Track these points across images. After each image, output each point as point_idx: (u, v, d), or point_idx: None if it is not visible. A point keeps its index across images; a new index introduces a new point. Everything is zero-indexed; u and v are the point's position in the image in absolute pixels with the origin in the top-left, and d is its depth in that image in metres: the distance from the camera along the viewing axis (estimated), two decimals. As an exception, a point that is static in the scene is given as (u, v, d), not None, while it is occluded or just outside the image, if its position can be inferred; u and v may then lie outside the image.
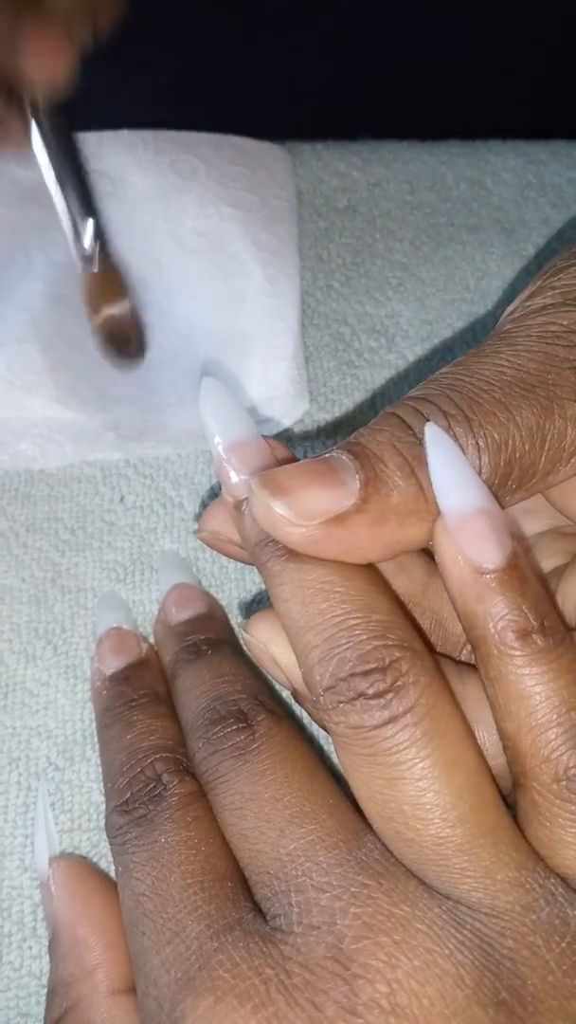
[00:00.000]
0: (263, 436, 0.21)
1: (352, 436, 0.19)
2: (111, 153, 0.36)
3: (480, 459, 0.18)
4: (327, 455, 0.18)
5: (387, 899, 0.17)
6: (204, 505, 0.31)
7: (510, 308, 0.22)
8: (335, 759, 0.21)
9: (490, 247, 0.37)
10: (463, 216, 0.38)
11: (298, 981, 0.16)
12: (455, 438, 0.18)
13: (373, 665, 0.17)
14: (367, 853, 0.18)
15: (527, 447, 0.18)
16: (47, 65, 0.27)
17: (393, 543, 0.18)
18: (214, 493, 0.31)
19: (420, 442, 0.18)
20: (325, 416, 0.32)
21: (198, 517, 0.30)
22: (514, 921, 0.16)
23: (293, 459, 0.21)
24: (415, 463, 0.18)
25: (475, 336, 0.35)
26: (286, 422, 0.32)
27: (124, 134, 0.37)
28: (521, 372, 0.19)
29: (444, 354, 0.34)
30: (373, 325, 0.35)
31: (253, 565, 0.21)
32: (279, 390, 0.32)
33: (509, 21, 0.44)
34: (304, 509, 0.18)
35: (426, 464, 0.18)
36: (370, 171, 0.39)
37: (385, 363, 0.34)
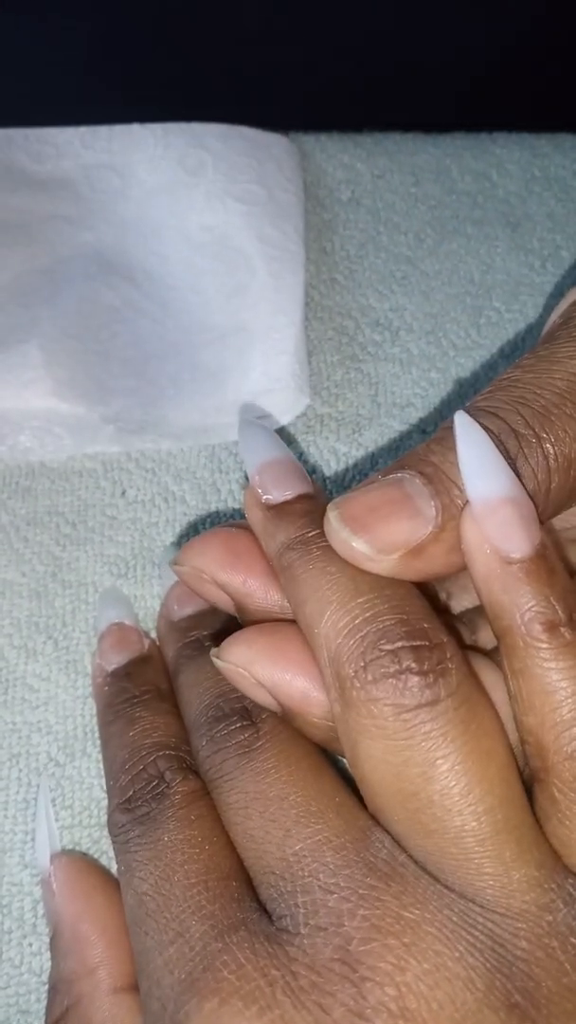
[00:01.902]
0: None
1: (420, 451, 0.19)
2: (120, 148, 0.36)
3: (551, 479, 0.18)
4: (399, 476, 0.18)
5: (396, 901, 0.17)
6: (207, 501, 0.30)
7: (573, 295, 0.22)
8: (339, 759, 0.21)
9: (495, 240, 0.37)
10: (468, 209, 0.38)
11: (305, 983, 0.16)
12: (526, 459, 0.18)
13: (422, 642, 0.17)
14: (375, 853, 0.18)
15: None
16: None
17: (462, 564, 0.18)
18: (216, 488, 0.30)
19: None
20: (328, 410, 0.32)
21: (200, 511, 0.30)
22: (529, 922, 0.16)
23: (318, 490, 0.21)
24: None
25: (479, 330, 0.34)
26: (287, 417, 0.32)
27: (134, 128, 0.36)
28: None
29: (448, 348, 0.34)
30: (377, 318, 0.34)
31: (224, 606, 0.22)
32: (280, 384, 0.31)
33: (515, 13, 0.43)
34: (384, 545, 0.18)
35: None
36: (374, 163, 0.39)
37: (389, 357, 0.33)
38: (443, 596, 0.23)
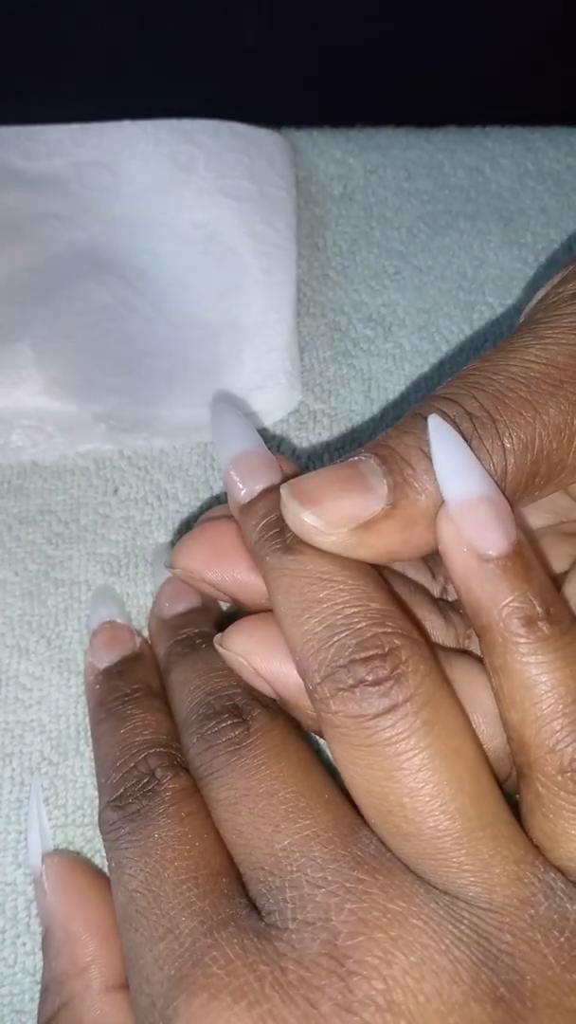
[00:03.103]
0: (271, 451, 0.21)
1: (380, 437, 0.19)
2: (111, 145, 0.36)
3: (507, 460, 0.18)
4: (354, 458, 0.18)
5: (383, 895, 0.17)
6: (199, 498, 0.30)
7: (540, 294, 0.22)
8: (330, 755, 0.21)
9: (488, 235, 0.37)
10: (461, 204, 0.38)
11: (293, 978, 0.16)
12: (480, 440, 0.18)
13: (373, 652, 0.17)
14: (363, 848, 0.18)
15: (554, 445, 0.18)
16: None
17: (423, 544, 0.18)
18: (209, 486, 0.30)
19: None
20: (320, 406, 0.32)
21: (193, 509, 0.30)
22: (512, 916, 0.16)
23: (299, 472, 0.21)
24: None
25: (472, 325, 0.34)
26: (279, 413, 0.32)
27: (125, 125, 0.36)
28: (549, 367, 0.18)
29: (441, 344, 0.34)
30: (369, 314, 0.34)
31: (225, 600, 0.22)
32: (272, 381, 0.31)
33: (508, 7, 0.43)
34: (334, 518, 0.18)
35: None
36: (367, 158, 0.39)
37: (382, 352, 0.33)
38: (437, 589, 0.23)
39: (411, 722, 0.17)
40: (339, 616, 0.17)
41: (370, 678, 0.17)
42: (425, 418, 0.18)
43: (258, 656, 0.20)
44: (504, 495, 0.18)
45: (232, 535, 0.21)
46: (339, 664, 0.17)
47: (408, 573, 0.22)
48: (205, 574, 0.21)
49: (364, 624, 0.17)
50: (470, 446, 0.18)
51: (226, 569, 0.21)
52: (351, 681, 0.17)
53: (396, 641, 0.17)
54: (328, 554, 0.18)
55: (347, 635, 0.17)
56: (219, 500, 0.30)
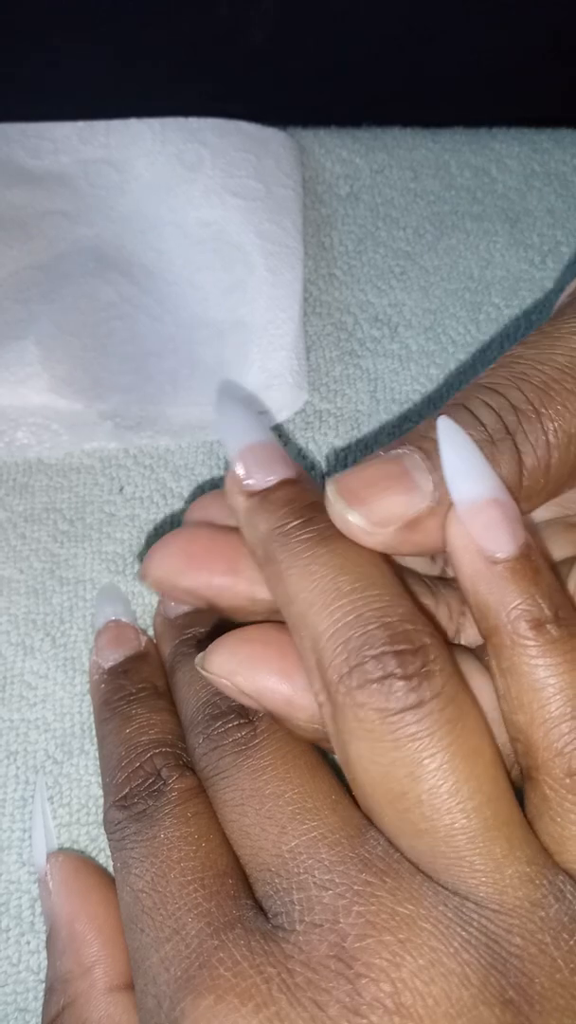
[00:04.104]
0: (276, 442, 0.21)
1: (423, 428, 0.19)
2: (118, 143, 0.36)
3: (551, 455, 0.18)
4: (398, 452, 0.18)
5: (391, 897, 0.16)
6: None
7: None
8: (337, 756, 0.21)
9: (494, 236, 0.37)
10: (467, 204, 0.38)
11: (300, 980, 0.16)
12: (525, 435, 0.18)
13: (404, 646, 0.17)
14: (370, 850, 0.18)
15: None
16: None
17: None
18: (215, 485, 0.30)
19: (492, 439, 0.18)
20: (327, 406, 0.32)
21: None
22: (522, 918, 0.16)
23: (302, 472, 0.21)
24: (488, 460, 0.18)
25: (478, 326, 0.34)
26: (285, 412, 0.32)
27: (132, 123, 0.36)
28: None
29: (447, 344, 0.34)
30: (376, 314, 0.34)
31: (200, 606, 0.21)
32: (278, 380, 0.31)
33: (515, 7, 0.43)
34: (380, 518, 0.18)
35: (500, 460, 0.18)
36: (373, 158, 0.39)
37: (388, 352, 0.33)
38: (436, 569, 0.23)
39: (436, 719, 0.17)
40: (370, 608, 0.17)
41: (399, 672, 0.17)
42: (469, 410, 0.18)
43: (242, 676, 0.19)
44: (545, 489, 0.18)
45: (205, 539, 0.21)
46: (370, 654, 0.17)
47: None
48: (178, 582, 0.20)
49: (396, 619, 0.17)
50: (514, 440, 0.18)
51: (200, 574, 0.20)
52: (380, 673, 0.17)
53: (426, 639, 0.17)
54: (359, 546, 0.18)
55: (378, 627, 0.17)
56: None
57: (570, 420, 0.18)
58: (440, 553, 0.19)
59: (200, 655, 0.20)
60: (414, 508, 0.18)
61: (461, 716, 0.17)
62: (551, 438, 0.18)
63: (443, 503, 0.18)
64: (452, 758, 0.17)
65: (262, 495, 0.20)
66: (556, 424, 0.18)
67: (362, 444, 0.31)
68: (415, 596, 0.20)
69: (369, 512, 0.18)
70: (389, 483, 0.18)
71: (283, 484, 0.20)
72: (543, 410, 0.18)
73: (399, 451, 0.18)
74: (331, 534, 0.18)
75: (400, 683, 0.17)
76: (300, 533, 0.19)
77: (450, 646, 0.19)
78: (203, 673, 0.20)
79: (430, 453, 0.18)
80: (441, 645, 0.17)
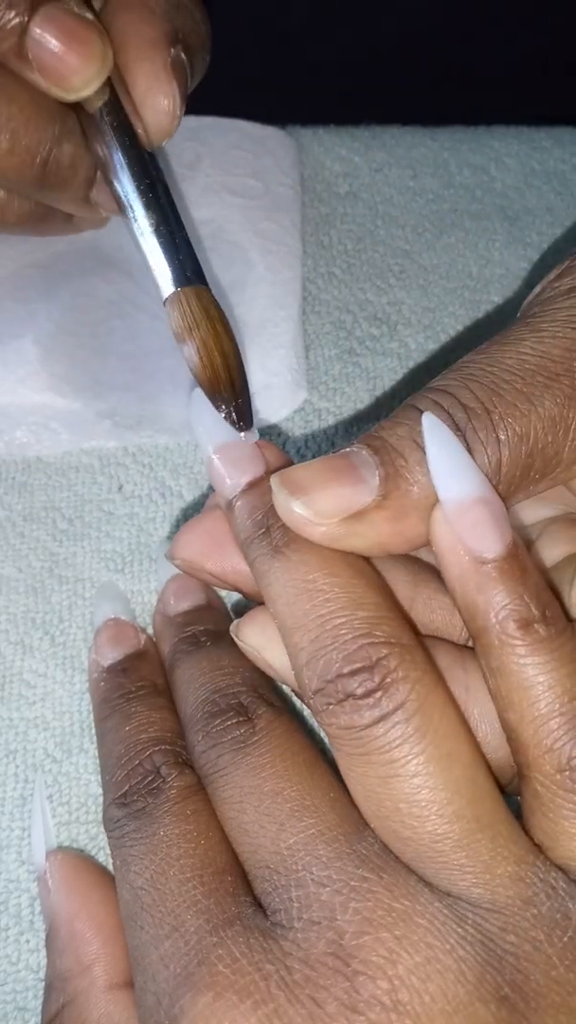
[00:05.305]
0: (255, 440, 0.21)
1: (373, 429, 0.19)
2: None
3: (501, 452, 0.18)
4: (347, 450, 0.18)
5: (388, 894, 0.17)
6: (204, 495, 0.30)
7: (537, 289, 0.22)
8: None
9: (493, 234, 0.37)
10: (466, 203, 0.38)
11: (299, 977, 0.16)
12: (475, 432, 0.18)
13: (359, 664, 0.17)
14: (367, 847, 0.18)
15: (550, 438, 0.18)
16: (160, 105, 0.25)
17: (415, 537, 0.18)
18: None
19: None
20: (326, 404, 0.32)
21: (197, 506, 0.30)
22: (515, 916, 0.16)
23: (285, 459, 0.21)
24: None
25: (477, 324, 0.34)
26: (284, 411, 0.32)
27: None
28: (545, 360, 0.18)
29: (446, 342, 0.34)
30: (375, 312, 0.34)
31: (229, 590, 0.22)
32: (277, 379, 0.31)
33: (514, 6, 0.43)
34: (323, 508, 0.18)
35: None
36: (372, 156, 0.39)
37: (387, 351, 0.33)
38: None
39: (402, 730, 0.17)
40: (323, 630, 0.18)
41: (359, 691, 0.17)
42: (419, 410, 0.18)
43: (269, 650, 0.20)
44: (498, 491, 0.18)
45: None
46: (327, 679, 0.17)
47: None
48: (205, 564, 0.21)
49: (350, 636, 0.17)
50: (464, 438, 0.18)
51: (225, 559, 0.21)
52: (340, 695, 0.17)
53: (383, 651, 0.17)
54: (315, 556, 0.18)
55: (333, 649, 0.17)
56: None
57: (520, 419, 0.18)
58: (391, 552, 0.19)
59: (235, 623, 0.21)
60: (359, 500, 0.18)
61: (431, 723, 0.17)
62: (501, 435, 0.18)
63: (390, 497, 0.18)
64: (425, 765, 0.17)
65: (232, 502, 0.21)
66: (506, 423, 0.18)
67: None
68: (392, 589, 0.20)
69: (312, 501, 0.18)
70: (334, 476, 0.18)
71: (248, 488, 0.21)
72: (492, 408, 0.18)
73: (348, 448, 0.18)
74: (285, 541, 0.19)
75: (361, 701, 0.17)
76: (260, 544, 0.19)
77: (424, 646, 0.19)
78: (236, 641, 0.20)
79: (378, 449, 0.18)
80: (405, 650, 0.17)
